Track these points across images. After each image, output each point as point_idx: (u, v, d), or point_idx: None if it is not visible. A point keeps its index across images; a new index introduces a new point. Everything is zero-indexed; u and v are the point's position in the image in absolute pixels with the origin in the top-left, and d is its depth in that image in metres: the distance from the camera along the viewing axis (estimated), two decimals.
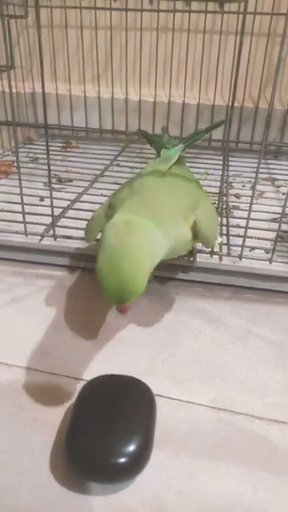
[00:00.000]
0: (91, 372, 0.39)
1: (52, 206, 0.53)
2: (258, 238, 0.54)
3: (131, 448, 0.31)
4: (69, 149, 0.86)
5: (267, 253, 0.52)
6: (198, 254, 0.51)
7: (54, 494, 0.31)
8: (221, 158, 0.82)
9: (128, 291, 0.31)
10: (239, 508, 0.30)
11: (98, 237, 0.42)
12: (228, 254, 0.51)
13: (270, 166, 0.81)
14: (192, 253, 0.51)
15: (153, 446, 0.33)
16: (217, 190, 0.68)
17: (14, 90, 0.87)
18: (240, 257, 0.51)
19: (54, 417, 0.36)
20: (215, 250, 0.52)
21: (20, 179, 0.51)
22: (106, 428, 0.32)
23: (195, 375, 0.40)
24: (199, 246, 0.52)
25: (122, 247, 0.31)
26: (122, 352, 0.43)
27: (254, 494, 0.31)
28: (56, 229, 0.54)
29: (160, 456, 0.33)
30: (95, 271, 0.32)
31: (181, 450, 0.34)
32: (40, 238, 0.54)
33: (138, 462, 0.31)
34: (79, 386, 0.37)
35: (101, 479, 0.31)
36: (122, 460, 0.30)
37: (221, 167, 0.77)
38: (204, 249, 0.52)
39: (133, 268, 0.31)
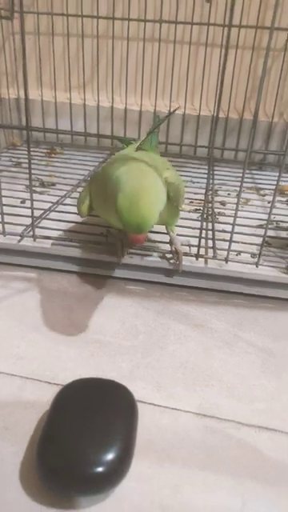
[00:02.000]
0: (69, 377, 0.37)
1: (32, 208, 0.51)
2: (245, 243, 0.53)
3: (109, 456, 0.28)
4: (53, 155, 0.85)
5: (253, 257, 0.51)
6: (183, 257, 0.50)
7: (25, 509, 0.28)
8: (206, 167, 0.82)
9: (146, 223, 0.37)
10: None
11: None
12: (214, 257, 0.50)
13: (255, 176, 0.81)
14: (177, 253, 0.49)
15: (133, 454, 0.30)
16: (202, 197, 0.67)
17: None
18: (226, 260, 0.49)
19: (27, 424, 0.33)
20: (200, 253, 0.50)
21: None
22: (82, 435, 0.29)
23: (180, 381, 0.38)
24: (184, 248, 0.50)
25: (140, 188, 0.37)
26: (103, 356, 0.40)
27: (242, 506, 0.29)
28: (36, 230, 0.52)
29: (142, 466, 0.31)
30: (116, 207, 0.37)
31: (165, 459, 0.32)
32: (19, 238, 0.52)
33: (116, 471, 0.28)
34: (55, 391, 0.35)
35: (75, 491, 0.28)
36: (99, 470, 0.28)
37: (206, 176, 0.76)
38: (189, 251, 0.50)
39: (149, 204, 0.37)
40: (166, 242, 0.52)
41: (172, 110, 0.63)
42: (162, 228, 0.51)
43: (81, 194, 0.49)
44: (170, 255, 0.50)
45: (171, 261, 0.50)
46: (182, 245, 0.51)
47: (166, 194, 0.42)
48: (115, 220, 0.40)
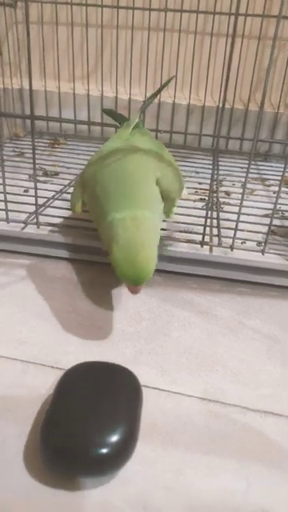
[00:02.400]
0: (72, 361, 0.36)
1: (36, 195, 0.51)
2: (250, 231, 0.53)
3: (113, 438, 0.28)
4: (56, 145, 0.84)
5: (259, 245, 0.51)
6: (188, 245, 0.49)
7: (29, 491, 0.28)
8: (210, 158, 0.81)
9: (143, 276, 0.36)
10: (232, 504, 0.28)
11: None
12: (219, 245, 0.49)
13: (260, 167, 0.80)
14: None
15: (138, 437, 0.30)
16: (207, 187, 0.66)
17: (1, 86, 0.85)
18: (232, 247, 0.49)
19: (30, 408, 0.33)
20: (205, 240, 0.50)
21: (3, 165, 0.49)
22: (86, 417, 0.29)
23: (184, 366, 0.38)
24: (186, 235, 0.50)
25: (135, 240, 0.37)
26: (106, 341, 0.40)
27: (247, 490, 0.28)
28: (40, 217, 0.52)
29: (146, 449, 0.31)
30: (111, 260, 0.37)
31: (168, 443, 0.31)
32: (23, 225, 0.51)
33: (120, 453, 0.28)
34: (58, 374, 0.34)
35: (79, 473, 0.28)
36: (103, 451, 0.27)
37: (211, 167, 0.76)
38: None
39: (146, 257, 0.36)
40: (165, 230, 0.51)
41: (163, 87, 0.62)
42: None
43: (73, 194, 0.47)
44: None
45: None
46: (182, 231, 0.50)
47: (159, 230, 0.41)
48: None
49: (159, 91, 0.61)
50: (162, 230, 0.53)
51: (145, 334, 0.41)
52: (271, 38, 0.80)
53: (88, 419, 0.29)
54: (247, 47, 0.81)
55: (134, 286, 0.37)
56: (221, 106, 0.44)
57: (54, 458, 0.28)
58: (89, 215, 0.46)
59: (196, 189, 0.67)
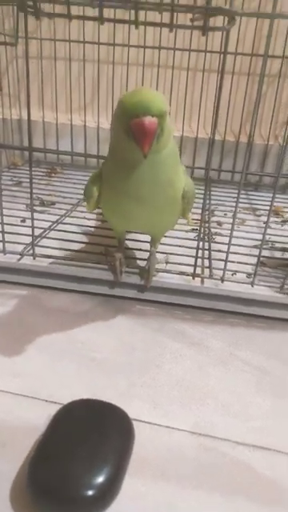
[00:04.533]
0: (66, 394, 0.37)
1: (33, 226, 0.52)
2: (240, 263, 0.54)
3: (98, 480, 0.28)
4: (53, 174, 0.87)
5: (249, 277, 0.52)
6: (180, 276, 0.51)
7: None
8: (203, 188, 0.83)
9: (151, 101, 0.33)
10: None
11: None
12: (210, 277, 0.51)
13: (251, 197, 0.82)
14: (148, 272, 0.50)
15: (124, 476, 0.30)
16: (199, 217, 0.68)
17: (0, 116, 0.88)
18: (222, 279, 0.50)
19: (23, 443, 0.33)
20: (197, 272, 0.51)
21: (0, 195, 0.51)
22: (75, 456, 0.29)
23: (176, 399, 0.39)
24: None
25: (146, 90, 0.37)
26: (100, 374, 0.41)
27: None
28: (36, 249, 0.53)
29: (137, 484, 0.31)
30: (118, 103, 0.36)
31: (159, 477, 0.32)
32: (19, 256, 0.53)
33: (105, 495, 0.28)
34: (53, 408, 0.35)
35: None
36: (88, 493, 0.28)
37: (202, 196, 0.78)
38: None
39: (155, 94, 0.36)
40: (144, 259, 0.53)
41: None
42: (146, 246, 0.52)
43: (89, 183, 0.44)
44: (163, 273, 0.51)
45: (141, 280, 0.50)
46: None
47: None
48: (120, 213, 0.40)
49: None
50: (159, 252, 0.54)
51: (137, 365, 0.42)
52: (259, 74, 0.85)
53: (77, 458, 0.29)
54: (237, 82, 0.85)
55: (142, 114, 0.33)
56: (212, 138, 0.46)
57: (39, 496, 0.28)
58: (102, 207, 0.46)
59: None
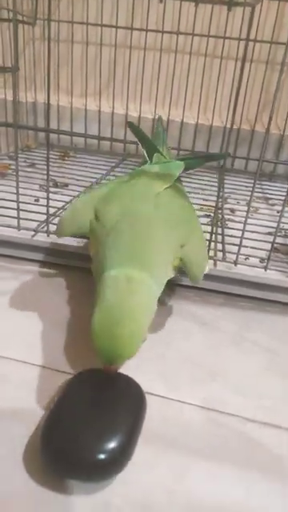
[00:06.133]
0: (77, 366, 0.37)
1: (48, 205, 0.52)
2: (253, 248, 0.54)
3: (111, 445, 0.28)
4: (66, 158, 0.87)
5: (262, 262, 0.52)
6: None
7: (29, 493, 0.28)
8: (216, 176, 0.83)
9: (120, 355, 0.31)
10: (231, 509, 0.28)
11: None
12: (223, 260, 0.51)
13: (264, 187, 0.82)
14: None
15: (136, 444, 0.30)
16: (212, 204, 0.68)
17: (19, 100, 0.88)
18: (235, 263, 0.50)
19: (36, 409, 0.34)
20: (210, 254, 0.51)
21: (17, 175, 0.51)
22: (87, 422, 0.30)
23: (185, 375, 0.39)
24: None
25: (122, 309, 0.30)
26: None
27: (246, 497, 0.29)
28: (50, 226, 0.53)
29: (147, 454, 0.31)
30: (90, 324, 0.31)
31: (169, 448, 0.32)
32: (33, 233, 0.53)
33: (116, 460, 0.29)
34: (64, 379, 0.35)
35: (77, 477, 0.29)
36: (100, 457, 0.28)
37: (216, 184, 0.78)
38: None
39: (129, 333, 0.30)
40: None
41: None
42: None
43: (72, 215, 0.41)
44: None
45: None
46: None
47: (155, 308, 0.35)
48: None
49: (207, 160, 0.54)
50: None
51: (147, 341, 0.42)
52: (279, 63, 0.83)
53: (89, 424, 0.29)
54: (255, 70, 0.84)
55: (109, 364, 0.31)
56: (228, 126, 0.45)
57: (52, 461, 0.28)
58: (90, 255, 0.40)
59: (201, 205, 0.69)
